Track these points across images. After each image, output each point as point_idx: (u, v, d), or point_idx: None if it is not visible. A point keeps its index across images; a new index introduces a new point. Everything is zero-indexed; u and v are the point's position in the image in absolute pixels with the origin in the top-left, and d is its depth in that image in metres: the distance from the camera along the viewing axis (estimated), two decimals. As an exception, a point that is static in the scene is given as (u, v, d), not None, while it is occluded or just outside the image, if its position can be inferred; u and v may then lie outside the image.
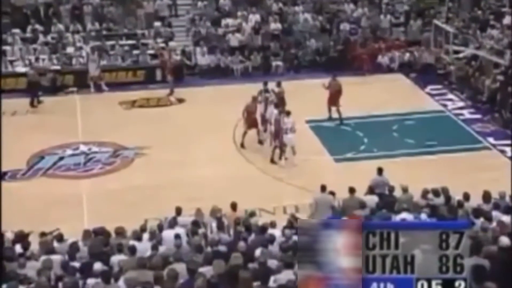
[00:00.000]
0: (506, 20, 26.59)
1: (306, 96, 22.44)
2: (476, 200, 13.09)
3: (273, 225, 12.29)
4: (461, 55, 25.87)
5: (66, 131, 21.11)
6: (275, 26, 28.39)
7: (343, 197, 13.97)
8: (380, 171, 14.90)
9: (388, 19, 29.18)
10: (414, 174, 16.91)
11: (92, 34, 27.60)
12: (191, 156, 19.36)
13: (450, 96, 24.35)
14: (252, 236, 11.72)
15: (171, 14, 29.20)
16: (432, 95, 24.51)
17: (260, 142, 20.03)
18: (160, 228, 12.28)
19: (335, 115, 21.66)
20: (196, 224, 12.39)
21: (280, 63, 27.42)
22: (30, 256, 10.93)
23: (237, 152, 19.85)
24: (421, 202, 13.37)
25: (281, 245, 10.74)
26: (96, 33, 27.64)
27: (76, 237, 11.85)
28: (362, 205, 13.25)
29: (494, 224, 11.44)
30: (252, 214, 13.71)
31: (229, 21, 28.53)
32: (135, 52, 26.97)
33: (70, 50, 26.64)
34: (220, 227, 12.32)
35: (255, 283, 9.01)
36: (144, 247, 11.18)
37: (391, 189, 14.16)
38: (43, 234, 12.31)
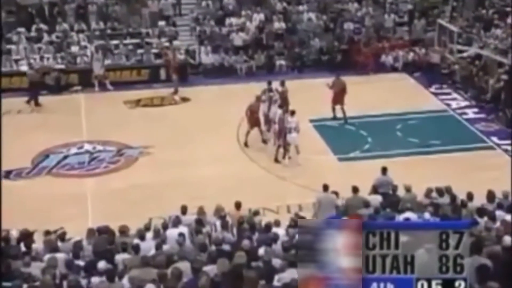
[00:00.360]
0: (510, 20, 26.52)
1: (309, 95, 22.43)
2: (480, 200, 13.08)
3: (277, 224, 12.31)
4: (465, 54, 25.84)
5: (71, 130, 21.15)
6: (279, 25, 28.41)
7: (347, 196, 13.96)
8: (384, 170, 14.82)
9: (392, 18, 29.17)
10: (418, 174, 16.87)
11: (96, 33, 27.66)
12: (195, 155, 19.36)
13: (454, 95, 24.35)
14: (256, 235, 11.72)
15: (176, 13, 29.24)
16: (436, 95, 24.50)
17: (264, 141, 20.06)
18: (165, 226, 12.29)
19: (339, 114, 21.68)
20: (200, 222, 12.40)
21: (284, 62, 27.44)
22: (35, 255, 10.94)
23: (241, 151, 19.87)
24: (425, 201, 13.32)
25: (284, 244, 10.75)
26: (101, 32, 27.70)
27: (81, 236, 11.88)
28: (366, 204, 13.23)
29: (498, 223, 11.44)
30: (256, 213, 13.68)
31: (233, 20, 28.56)
32: (140, 51, 27.02)
33: (74, 49, 26.71)
34: (224, 226, 12.30)
35: (260, 282, 9.02)
36: (148, 246, 11.20)
37: (395, 188, 14.16)
38: (47, 233, 12.31)
